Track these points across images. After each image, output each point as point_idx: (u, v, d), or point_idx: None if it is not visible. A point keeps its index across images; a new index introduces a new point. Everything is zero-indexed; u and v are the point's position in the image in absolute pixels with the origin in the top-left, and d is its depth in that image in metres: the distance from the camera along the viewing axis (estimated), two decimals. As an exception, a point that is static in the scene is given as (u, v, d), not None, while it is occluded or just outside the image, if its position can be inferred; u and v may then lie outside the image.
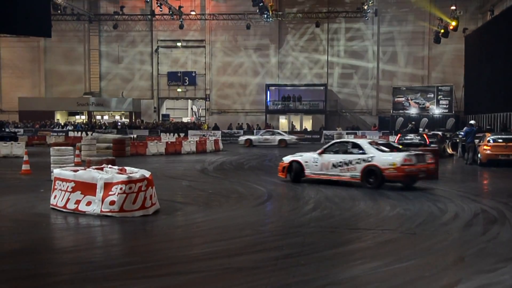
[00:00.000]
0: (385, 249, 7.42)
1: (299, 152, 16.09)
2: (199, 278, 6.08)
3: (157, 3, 45.02)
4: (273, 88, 47.93)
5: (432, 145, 22.50)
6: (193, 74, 50.10)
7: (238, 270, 6.36)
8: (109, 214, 9.31)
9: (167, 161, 23.87)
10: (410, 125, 34.22)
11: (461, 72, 44.06)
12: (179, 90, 50.60)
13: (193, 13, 47.50)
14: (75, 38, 50.71)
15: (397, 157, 13.29)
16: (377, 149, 13.85)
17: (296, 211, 10.37)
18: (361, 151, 13.91)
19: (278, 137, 35.72)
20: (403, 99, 45.10)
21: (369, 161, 13.51)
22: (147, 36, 50.45)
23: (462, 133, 24.58)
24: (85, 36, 50.79)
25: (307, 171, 14.85)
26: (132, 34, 50.38)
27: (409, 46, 46.64)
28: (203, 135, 39.80)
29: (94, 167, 10.78)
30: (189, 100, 54.51)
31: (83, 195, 9.68)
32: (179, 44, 49.74)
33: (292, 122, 48.19)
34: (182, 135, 41.12)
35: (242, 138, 37.31)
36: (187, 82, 50.17)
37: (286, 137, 36.23)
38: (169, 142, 29.42)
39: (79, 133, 42.04)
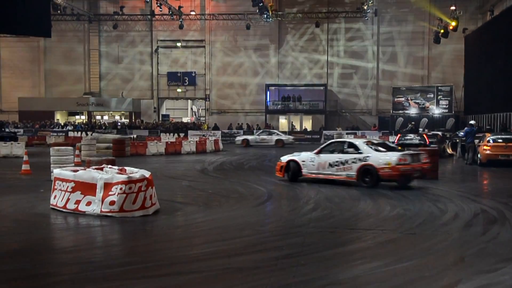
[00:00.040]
0: (385, 249, 7.42)
1: (297, 152, 16.19)
2: (199, 278, 6.08)
3: (157, 3, 45.02)
4: (273, 88, 47.92)
5: (432, 145, 22.50)
6: (193, 74, 50.11)
7: (238, 270, 6.36)
8: (109, 214, 9.31)
9: (167, 161, 23.86)
10: (410, 125, 34.27)
11: (461, 72, 44.07)
12: (179, 90, 50.60)
13: (193, 13, 47.51)
14: (75, 38, 50.71)
15: (392, 157, 13.45)
16: (372, 148, 13.99)
17: (296, 211, 10.37)
18: (357, 151, 14.05)
19: (275, 137, 35.92)
20: (403, 99, 45.10)
21: (365, 161, 13.67)
22: (147, 36, 50.45)
23: (462, 133, 24.60)
24: (85, 36, 50.79)
25: (304, 171, 15.02)
26: (132, 34, 50.38)
27: (409, 46, 46.65)
28: (203, 135, 39.80)
29: (94, 167, 10.78)
30: (189, 100, 54.50)
31: (83, 195, 9.68)
32: (179, 44, 49.74)
33: (292, 122, 48.19)
34: (182, 135, 41.12)
35: (239, 138, 37.38)
36: (187, 82, 50.17)
37: (283, 137, 36.43)
38: (169, 142, 29.43)
39: (79, 133, 42.04)
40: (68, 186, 9.89)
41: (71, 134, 42.24)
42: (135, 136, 37.31)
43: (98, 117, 50.94)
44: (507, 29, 32.45)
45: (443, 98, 44.18)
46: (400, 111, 44.81)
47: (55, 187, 10.23)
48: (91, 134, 36.00)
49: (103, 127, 45.07)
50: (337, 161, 14.22)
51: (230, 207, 10.86)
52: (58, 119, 49.21)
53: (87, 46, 50.78)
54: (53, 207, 10.15)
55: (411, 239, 8.03)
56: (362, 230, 8.74)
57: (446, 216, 9.72)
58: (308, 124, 47.78)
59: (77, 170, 10.31)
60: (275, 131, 38.88)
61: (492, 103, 35.41)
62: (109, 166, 10.89)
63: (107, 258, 7.06)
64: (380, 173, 13.39)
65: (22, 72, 50.77)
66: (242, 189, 13.57)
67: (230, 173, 18.36)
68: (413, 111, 44.59)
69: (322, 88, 46.86)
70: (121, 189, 9.32)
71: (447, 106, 43.99)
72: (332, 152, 14.74)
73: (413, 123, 35.61)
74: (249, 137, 36.98)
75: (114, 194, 9.34)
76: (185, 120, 53.17)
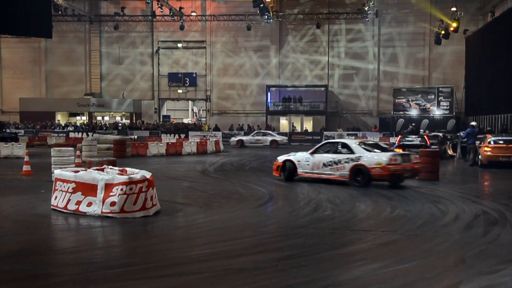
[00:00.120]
0: (386, 250, 7.42)
1: (293, 152, 16.56)
2: (199, 279, 6.08)
3: (157, 4, 45.03)
4: (273, 89, 47.93)
5: (432, 147, 22.49)
6: (194, 75, 50.13)
7: (239, 271, 6.35)
8: (109, 215, 9.31)
9: (167, 162, 23.87)
10: (410, 127, 34.25)
11: (462, 73, 44.04)
12: (179, 91, 50.62)
13: (193, 14, 47.56)
14: (75, 39, 50.75)
15: (383, 157, 13.86)
16: (364, 149, 14.42)
17: (297, 212, 10.37)
18: (349, 151, 14.49)
19: (270, 138, 36.36)
20: (403, 100, 45.09)
21: (357, 161, 14.10)
22: (148, 37, 50.48)
23: (462, 133, 24.61)
24: (85, 37, 50.83)
25: (299, 170, 15.45)
26: (133, 35, 50.41)
27: (410, 47, 46.65)
28: (204, 136, 39.81)
29: (94, 168, 10.78)
30: (190, 101, 54.51)
31: (83, 196, 9.68)
32: (179, 45, 49.78)
33: (293, 123, 48.18)
34: (182, 136, 41.13)
35: (234, 139, 37.65)
36: (188, 83, 50.20)
37: (278, 137, 36.84)
38: (169, 143, 29.43)
39: (80, 134, 42.05)
40: (69, 187, 9.90)
41: (72, 135, 42.23)
42: (135, 137, 37.31)
43: (99, 118, 50.96)
44: (508, 30, 32.44)
45: (444, 100, 44.18)
46: (401, 112, 44.80)
47: (56, 187, 10.24)
48: (92, 135, 36.05)
49: (104, 128, 45.09)
50: (330, 161, 14.68)
51: (231, 208, 10.86)
52: (59, 120, 49.23)
53: (88, 46, 50.82)
54: (53, 207, 10.15)
55: (411, 240, 8.03)
56: (363, 231, 8.75)
57: (447, 218, 9.71)
58: (309, 125, 47.78)
59: (78, 171, 10.32)
60: (269, 131, 39.16)
61: (493, 105, 35.39)
62: (110, 167, 10.89)
63: (108, 259, 7.06)
64: (372, 173, 13.79)
65: (23, 73, 50.81)
66: (243, 190, 13.57)
67: (230, 174, 18.36)
68: (414, 112, 44.57)
69: (323, 89, 46.86)
70: (122, 190, 9.32)
71: (448, 107, 43.98)
72: (326, 152, 15.19)
73: (413, 124, 35.60)
74: (244, 138, 37.30)
75: (115, 195, 9.34)
76: (185, 121, 53.19)
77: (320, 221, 9.44)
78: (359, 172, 14.03)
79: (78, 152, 18.93)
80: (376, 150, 14.47)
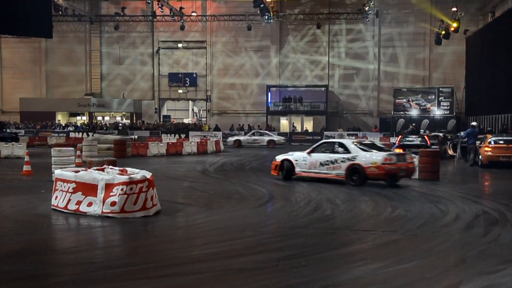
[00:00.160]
0: (386, 250, 7.42)
1: (291, 152, 16.84)
2: (200, 279, 6.08)
3: (158, 4, 45.04)
4: (274, 89, 47.94)
5: (433, 147, 22.48)
6: (194, 75, 50.15)
7: (239, 271, 6.36)
8: (110, 215, 9.32)
9: (168, 162, 23.87)
10: (411, 127, 34.26)
11: (462, 73, 44.05)
12: (180, 91, 50.64)
13: (194, 14, 47.57)
14: (76, 39, 50.78)
15: (378, 156, 14.10)
16: (360, 148, 14.65)
17: (297, 212, 10.37)
18: (345, 151, 14.73)
19: (267, 138, 36.57)
20: (404, 100, 45.09)
21: (353, 160, 14.35)
22: (148, 37, 50.51)
23: (463, 134, 24.61)
24: (86, 37, 50.86)
25: (297, 169, 15.69)
26: (133, 35, 50.44)
27: (410, 48, 46.66)
28: (204, 136, 39.83)
29: (95, 168, 10.77)
30: (190, 101, 54.53)
31: (84, 196, 9.68)
32: (180, 45, 49.81)
33: (293, 123, 48.19)
34: (183, 136, 41.14)
35: (231, 139, 37.72)
36: (188, 83, 50.22)
37: (275, 137, 37.08)
38: (170, 143, 29.41)
39: (80, 134, 42.06)
40: (69, 187, 9.90)
41: (72, 135, 42.24)
42: (136, 137, 37.31)
43: (99, 118, 50.98)
44: (508, 30, 32.43)
45: (444, 100, 44.19)
46: (401, 112, 44.81)
47: (56, 187, 10.24)
48: (92, 135, 36.05)
49: (104, 128, 45.10)
50: (327, 161, 14.93)
51: (231, 208, 10.86)
52: (59, 120, 49.25)
53: (88, 47, 50.84)
54: (54, 207, 10.15)
55: (412, 240, 8.03)
56: (363, 231, 8.75)
57: (447, 218, 9.71)
58: (309, 125, 47.79)
59: (78, 171, 10.32)
60: (266, 131, 39.38)
61: (493, 105, 35.40)
62: (110, 167, 10.88)
63: (108, 258, 7.06)
64: (367, 172, 14.05)
65: (24, 73, 50.84)
66: (243, 190, 13.57)
67: (231, 174, 18.36)
68: (414, 112, 44.57)
69: (323, 89, 46.86)
70: (122, 190, 9.32)
71: (448, 107, 43.98)
72: (323, 152, 15.41)
73: (414, 124, 35.61)
74: (241, 138, 37.47)
75: (115, 195, 9.34)
76: (186, 121, 53.21)
77: (320, 221, 9.44)
78: (355, 171, 14.26)
79: (78, 152, 18.93)
80: (372, 150, 14.64)
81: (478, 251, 7.31)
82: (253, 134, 37.65)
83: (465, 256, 7.13)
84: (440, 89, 44.55)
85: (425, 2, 44.93)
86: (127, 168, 10.50)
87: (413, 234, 8.41)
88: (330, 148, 15.38)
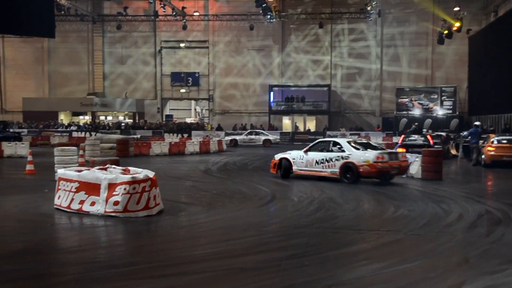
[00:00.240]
0: (389, 250, 7.40)
1: (289, 150, 17.27)
2: (202, 278, 6.08)
3: (160, 4, 45.09)
4: (276, 88, 47.94)
5: (435, 146, 22.44)
6: (197, 75, 50.18)
7: (242, 270, 6.35)
8: (113, 214, 9.32)
9: (170, 161, 23.89)
10: (413, 126, 34.16)
11: (465, 73, 43.99)
12: (182, 90, 50.67)
13: (196, 14, 47.59)
14: (78, 39, 50.86)
15: (370, 155, 14.51)
16: (354, 147, 15.08)
17: (300, 212, 10.36)
18: (340, 149, 15.18)
19: (263, 137, 37.16)
20: (406, 100, 45.05)
21: (347, 159, 14.79)
22: (151, 37, 50.56)
23: (465, 133, 24.56)
24: (88, 37, 50.94)
25: (294, 168, 16.09)
26: (136, 34, 50.49)
27: (413, 47, 46.62)
28: (207, 136, 39.88)
29: (98, 167, 10.78)
30: (193, 101, 54.56)
31: (87, 195, 9.69)
32: (182, 44, 49.84)
33: (296, 122, 48.19)
34: (185, 135, 41.17)
35: (228, 138, 37.87)
36: (191, 82, 50.27)
37: (271, 137, 37.56)
38: (172, 143, 29.45)
39: (83, 133, 42.14)
40: (72, 186, 9.91)
41: (75, 134, 42.34)
42: (138, 136, 37.38)
43: (102, 118, 51.04)
44: (511, 29, 32.36)
45: (447, 99, 44.14)
46: (404, 112, 44.77)
47: (59, 187, 10.25)
48: (95, 135, 36.09)
49: (107, 128, 45.15)
50: (323, 159, 15.37)
51: (234, 208, 10.86)
52: (62, 120, 49.33)
53: (91, 46, 50.92)
54: (57, 207, 10.16)
55: (415, 240, 8.01)
56: (366, 231, 8.74)
57: (450, 217, 9.70)
58: (311, 125, 47.77)
59: (81, 170, 10.32)
60: (262, 131, 39.78)
61: (496, 104, 35.33)
62: (113, 166, 10.89)
63: (111, 258, 7.07)
64: (360, 170, 14.47)
65: (26, 73, 50.94)
66: (246, 190, 13.58)
67: (233, 173, 18.37)
68: (417, 112, 44.53)
69: (325, 88, 46.84)
70: (125, 189, 9.33)
71: (451, 107, 43.93)
72: (319, 150, 15.83)
73: (416, 124, 35.51)
74: (238, 137, 37.85)
75: (118, 194, 9.35)
76: (188, 120, 53.25)
77: (323, 221, 9.43)
78: (349, 169, 14.70)
79: (81, 152, 18.98)
80: (366, 149, 15.04)
81: (481, 250, 7.29)
82: (250, 134, 38.06)
83: (468, 256, 7.11)
84: (443, 88, 44.50)
85: (428, 1, 44.87)
86: (130, 168, 10.50)
87: (416, 233, 8.40)
88: (325, 147, 15.83)
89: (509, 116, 32.74)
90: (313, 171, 15.61)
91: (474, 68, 41.58)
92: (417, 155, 16.72)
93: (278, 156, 16.66)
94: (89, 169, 10.53)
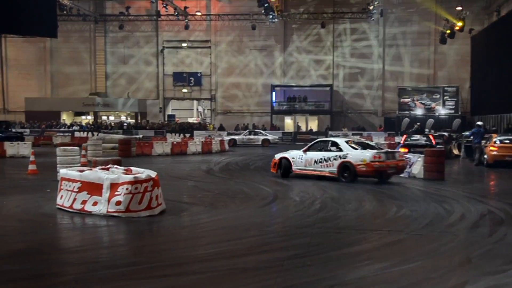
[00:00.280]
0: (391, 250, 7.40)
1: (289, 150, 17.48)
2: (204, 278, 6.08)
3: (162, 3, 45.12)
4: (278, 88, 47.95)
5: (438, 146, 22.40)
6: (199, 75, 50.20)
7: (243, 270, 6.35)
8: (115, 214, 9.33)
9: (173, 161, 23.90)
10: (416, 126, 34.15)
11: (467, 72, 43.93)
12: (184, 90, 50.70)
13: (198, 13, 47.60)
14: (81, 39, 50.95)
15: (367, 154, 14.73)
16: (351, 147, 15.31)
17: (302, 212, 10.35)
18: (338, 149, 15.43)
19: (262, 137, 37.35)
20: (409, 99, 45.02)
21: (344, 158, 15.01)
22: (153, 37, 50.60)
23: (468, 133, 24.52)
24: (91, 37, 51.01)
25: (294, 167, 16.30)
26: (138, 34, 50.54)
27: (415, 47, 46.58)
28: (209, 136, 39.91)
29: (100, 167, 10.79)
30: (195, 101, 54.59)
31: (89, 195, 9.70)
32: (184, 44, 49.88)
33: (298, 122, 48.17)
34: (187, 135, 41.18)
35: (226, 138, 37.88)
36: (193, 82, 50.29)
37: (269, 136, 37.74)
38: (174, 143, 29.46)
39: (85, 133, 42.19)
40: (74, 186, 9.92)
41: (77, 134, 42.39)
42: (141, 136, 37.40)
43: (104, 118, 51.10)
44: (513, 29, 32.33)
45: (449, 99, 44.08)
46: (406, 112, 44.73)
47: (62, 187, 10.26)
48: (97, 134, 36.13)
49: (109, 128, 45.20)
50: (321, 158, 15.59)
51: (236, 208, 10.86)
52: (64, 119, 49.42)
53: (93, 46, 50.99)
54: (59, 207, 10.17)
55: (417, 240, 8.00)
56: (368, 231, 8.73)
57: (453, 217, 9.68)
58: (313, 125, 47.76)
59: (84, 170, 10.33)
60: (261, 131, 39.97)
61: (498, 104, 35.27)
62: (115, 166, 10.90)
63: (113, 258, 7.07)
64: (357, 169, 14.69)
65: (29, 73, 51.03)
66: (248, 190, 13.57)
67: (235, 173, 18.37)
68: (419, 111, 44.49)
69: (327, 88, 46.85)
70: (127, 189, 9.34)
71: (454, 106, 43.88)
72: (318, 150, 16.07)
73: (419, 123, 35.51)
74: (236, 137, 37.96)
75: (120, 194, 9.35)
76: (190, 120, 53.28)
77: (325, 221, 9.42)
78: (346, 169, 14.90)
79: (83, 152, 18.99)
80: (364, 149, 15.26)
81: (484, 251, 7.28)
82: (248, 134, 38.23)
83: (471, 256, 7.09)
84: (445, 88, 44.45)
85: (430, 1, 44.83)
86: (132, 168, 10.50)
87: (418, 234, 8.38)
88: (324, 146, 16.09)
89: (510, 116, 32.67)
90: (312, 170, 15.79)
91: (477, 67, 41.53)
92: (419, 155, 16.71)
93: (278, 156, 16.87)
94: (91, 169, 10.54)
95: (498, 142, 20.20)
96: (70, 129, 45.25)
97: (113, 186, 9.47)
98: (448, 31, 41.03)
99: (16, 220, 9.57)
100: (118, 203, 9.34)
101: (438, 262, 6.70)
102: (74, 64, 50.84)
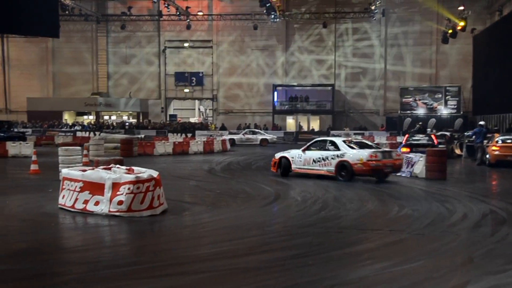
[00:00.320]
0: (393, 249, 7.40)
1: (289, 149, 17.65)
2: (206, 278, 6.09)
3: (164, 3, 45.14)
4: (280, 88, 47.95)
5: (440, 146, 22.39)
6: (200, 75, 50.21)
7: (245, 270, 6.36)
8: (117, 214, 9.34)
9: (174, 161, 23.91)
10: (417, 126, 34.06)
11: (469, 72, 43.86)
12: (186, 90, 50.72)
13: (200, 13, 47.62)
14: (83, 39, 51.00)
15: (364, 153, 14.94)
16: (349, 146, 15.50)
17: (303, 212, 10.35)
18: (336, 148, 15.63)
19: (260, 137, 37.55)
20: (410, 99, 44.97)
21: (342, 157, 15.23)
22: (155, 37, 50.62)
23: (470, 133, 24.49)
24: (92, 37, 51.05)
25: (293, 166, 16.54)
26: (140, 34, 50.57)
27: (417, 47, 46.53)
28: (211, 136, 39.93)
29: (102, 167, 10.80)
30: (196, 101, 54.61)
31: (91, 195, 9.71)
32: (186, 44, 49.90)
33: (300, 122, 48.16)
34: (189, 135, 41.20)
35: (225, 137, 37.89)
36: (194, 82, 50.30)
37: (268, 136, 37.94)
38: (176, 142, 29.46)
39: (87, 133, 42.21)
40: (76, 186, 9.93)
41: (79, 134, 42.40)
42: (142, 136, 37.40)
43: (106, 117, 51.15)
44: (516, 29, 32.27)
45: (451, 99, 44.03)
46: (408, 112, 44.68)
47: (64, 186, 10.27)
48: (99, 134, 36.15)
49: (111, 127, 45.23)
50: (319, 158, 15.84)
51: (238, 207, 10.86)
52: (66, 119, 49.48)
53: (95, 46, 51.03)
54: (61, 206, 10.19)
55: (419, 240, 8.00)
56: (370, 230, 8.72)
57: (455, 217, 9.67)
58: (315, 124, 47.74)
59: (85, 170, 10.34)
60: (259, 130, 40.19)
61: (500, 104, 35.21)
62: (117, 166, 10.91)
63: (115, 257, 7.08)
64: (354, 168, 14.92)
65: (31, 73, 51.09)
66: (250, 189, 13.58)
67: (237, 173, 18.37)
68: (421, 111, 44.44)
69: (329, 88, 46.83)
70: (129, 189, 9.35)
71: (455, 106, 43.83)
72: (317, 149, 16.26)
73: (421, 123, 35.43)
74: (235, 137, 38.01)
75: (122, 194, 9.36)
76: (192, 120, 53.30)
77: (327, 220, 9.42)
78: (344, 168, 15.14)
79: (85, 151, 19.01)
80: (361, 148, 15.42)
81: (486, 250, 7.27)
82: (247, 133, 38.35)
83: (473, 255, 7.09)
84: (447, 88, 44.40)
85: (432, 0, 44.76)
86: (134, 167, 10.51)
87: (420, 233, 8.38)
88: (322, 146, 16.24)
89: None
90: (310, 169, 16.01)
91: (479, 67, 41.46)
92: (421, 154, 16.70)
93: (278, 155, 17.08)
94: (93, 169, 10.54)
95: (500, 141, 20.16)
96: (72, 129, 45.28)
97: (115, 186, 9.48)
98: (450, 31, 40.98)
99: (18, 220, 9.59)
100: (120, 202, 9.35)
101: (440, 261, 6.70)
102: (76, 64, 50.89)
